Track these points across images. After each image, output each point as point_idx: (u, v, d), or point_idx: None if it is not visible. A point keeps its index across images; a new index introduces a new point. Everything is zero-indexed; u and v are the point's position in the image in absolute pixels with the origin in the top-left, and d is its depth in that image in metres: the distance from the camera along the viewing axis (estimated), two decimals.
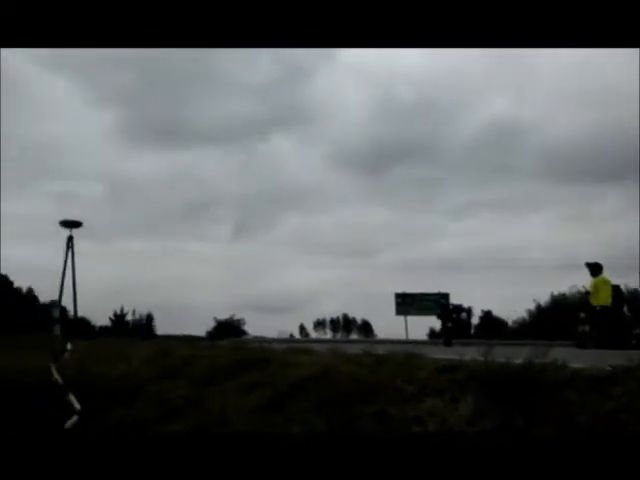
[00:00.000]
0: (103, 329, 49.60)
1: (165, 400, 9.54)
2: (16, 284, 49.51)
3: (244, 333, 39.93)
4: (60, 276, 28.70)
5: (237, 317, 44.50)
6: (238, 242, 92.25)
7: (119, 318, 51.16)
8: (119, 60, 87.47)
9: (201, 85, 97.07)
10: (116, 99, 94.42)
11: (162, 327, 50.87)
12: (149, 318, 52.23)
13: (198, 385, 10.04)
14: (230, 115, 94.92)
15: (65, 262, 28.26)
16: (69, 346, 8.90)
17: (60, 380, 8.23)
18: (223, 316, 45.03)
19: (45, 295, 45.22)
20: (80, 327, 33.45)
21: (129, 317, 52.17)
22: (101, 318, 51.10)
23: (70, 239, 27.00)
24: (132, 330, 48.31)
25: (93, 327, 48.82)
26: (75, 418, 7.91)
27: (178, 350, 12.80)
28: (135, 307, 52.46)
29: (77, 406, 8.02)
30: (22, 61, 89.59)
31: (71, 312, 32.64)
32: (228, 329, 38.68)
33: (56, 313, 24.98)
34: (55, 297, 27.92)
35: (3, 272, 46.72)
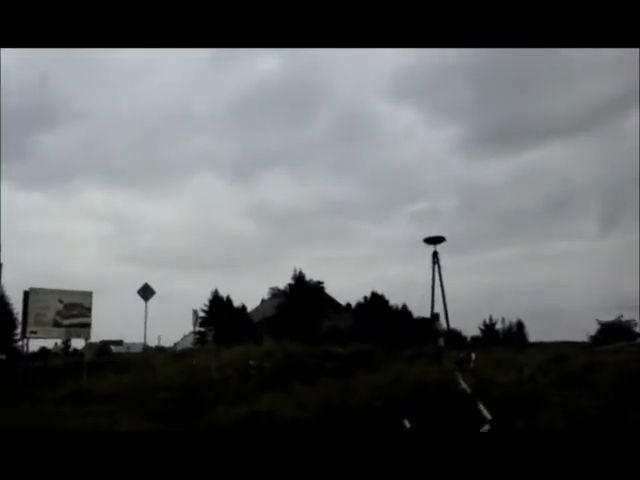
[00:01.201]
0: (474, 339, 50.39)
1: (573, 410, 8.85)
2: (391, 302, 54.03)
3: (638, 336, 35.48)
4: (430, 291, 30.34)
5: (625, 318, 39.96)
6: (608, 236, 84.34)
7: (489, 327, 51.41)
8: (453, 76, 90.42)
9: (541, 78, 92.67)
10: (457, 113, 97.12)
11: (534, 334, 49.29)
12: (519, 325, 51.18)
13: (609, 394, 9.08)
14: (580, 100, 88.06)
15: (433, 277, 29.59)
16: (473, 356, 8.97)
17: (468, 389, 8.33)
18: (607, 318, 41.11)
19: (417, 310, 48.49)
20: (453, 338, 34.70)
21: (498, 326, 52.03)
22: (471, 328, 52.15)
23: (435, 255, 28.16)
24: (503, 339, 47.93)
25: (465, 338, 50.02)
26: (487, 427, 7.83)
27: (574, 356, 11.95)
28: (504, 315, 52.15)
29: (487, 415, 7.94)
30: (369, 96, 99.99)
31: (443, 324, 34.17)
32: (616, 332, 34.82)
33: (439, 326, 26.39)
34: (426, 312, 29.59)
35: (380, 292, 51.75)
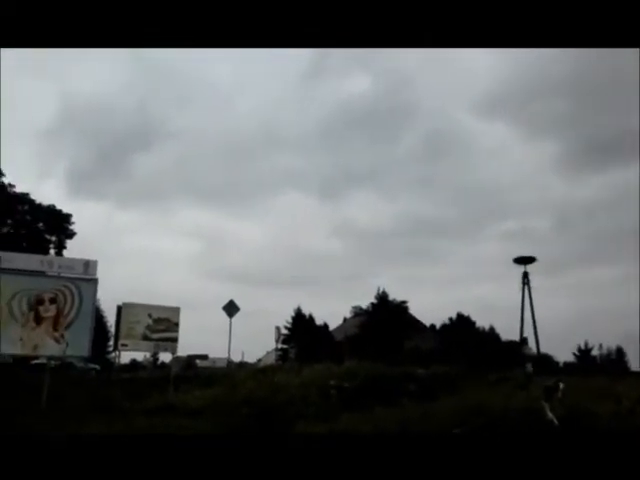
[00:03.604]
0: (568, 365, 47.81)
1: None
2: (478, 324, 52.23)
3: None
4: (519, 313, 29.16)
5: None
6: None
7: (584, 353, 48.63)
8: (548, 89, 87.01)
9: None
10: (553, 129, 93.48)
11: (637, 362, 46.16)
12: (619, 352, 48.10)
13: None
14: None
15: (523, 299, 28.46)
16: (561, 385, 8.43)
17: (556, 421, 7.78)
18: None
19: (505, 333, 46.59)
20: (543, 364, 33.04)
21: (595, 352, 49.15)
22: (564, 354, 49.58)
23: (525, 275, 27.09)
24: (600, 365, 45.18)
25: (556, 363, 47.57)
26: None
27: None
28: (601, 341, 49.29)
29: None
30: (459, 111, 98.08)
31: (532, 349, 32.60)
32: None
33: (527, 350, 25.28)
34: (514, 334, 28.31)
35: (466, 313, 50.16)
